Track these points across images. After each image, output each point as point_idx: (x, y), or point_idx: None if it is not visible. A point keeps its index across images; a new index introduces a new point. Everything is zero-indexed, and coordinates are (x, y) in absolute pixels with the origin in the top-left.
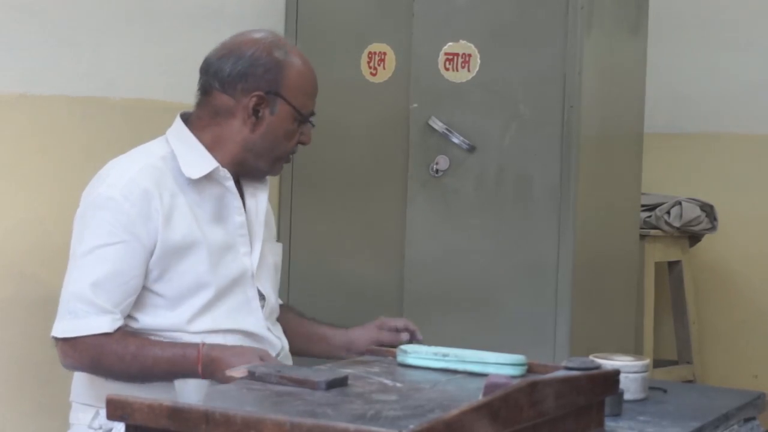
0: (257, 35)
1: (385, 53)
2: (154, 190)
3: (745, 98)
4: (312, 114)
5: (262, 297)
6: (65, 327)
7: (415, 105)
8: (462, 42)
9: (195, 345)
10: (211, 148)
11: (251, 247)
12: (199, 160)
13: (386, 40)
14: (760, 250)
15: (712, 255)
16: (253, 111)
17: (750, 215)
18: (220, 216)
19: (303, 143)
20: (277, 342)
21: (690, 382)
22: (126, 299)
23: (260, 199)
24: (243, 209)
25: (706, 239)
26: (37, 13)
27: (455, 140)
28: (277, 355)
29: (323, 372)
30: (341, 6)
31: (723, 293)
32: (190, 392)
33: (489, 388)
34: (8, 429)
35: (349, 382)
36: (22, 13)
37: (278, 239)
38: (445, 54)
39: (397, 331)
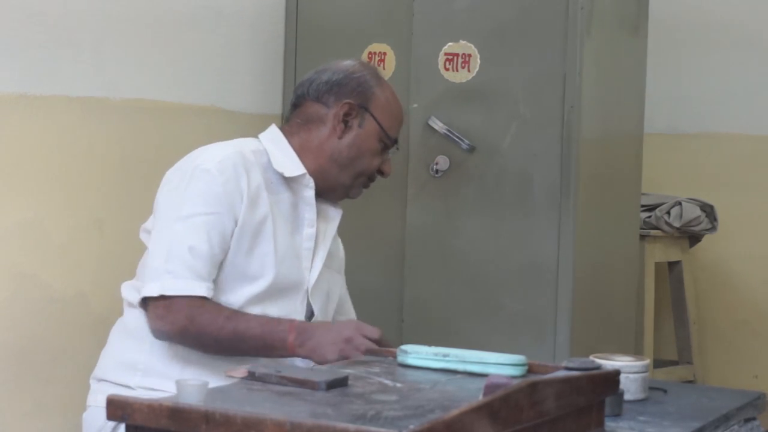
0: (354, 60)
1: (385, 53)
2: (243, 172)
3: (745, 98)
4: (396, 141)
5: (311, 315)
6: (165, 285)
7: (415, 105)
8: (462, 42)
9: (288, 319)
10: (299, 153)
11: (312, 264)
12: (289, 162)
13: (386, 40)
14: (760, 250)
15: (713, 255)
16: (343, 118)
17: (750, 215)
18: (292, 223)
19: (383, 173)
20: None
21: (690, 382)
22: (215, 271)
23: (331, 225)
24: (315, 222)
25: (707, 239)
26: (37, 13)
27: (455, 140)
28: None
29: (323, 372)
30: (341, 6)
31: (723, 293)
32: (191, 392)
33: (489, 389)
34: (8, 429)
35: (350, 382)
36: (22, 13)
37: None
38: (445, 54)
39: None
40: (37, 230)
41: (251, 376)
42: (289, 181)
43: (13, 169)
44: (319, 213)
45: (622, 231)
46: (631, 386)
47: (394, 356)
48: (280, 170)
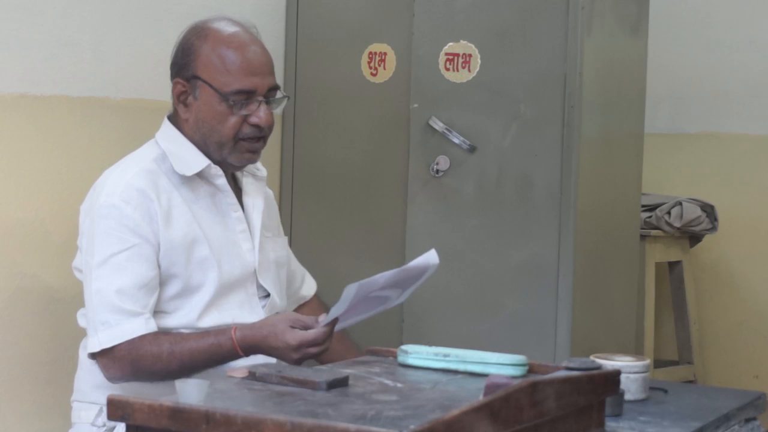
0: (199, 21)
1: (385, 53)
2: (150, 192)
3: (745, 98)
4: (247, 93)
5: (266, 295)
6: (101, 339)
7: (416, 105)
8: (462, 42)
9: (227, 331)
10: (193, 141)
11: (253, 245)
12: (189, 158)
13: (386, 40)
14: (760, 250)
15: (713, 255)
16: (179, 99)
17: (750, 215)
18: (217, 212)
19: (256, 124)
20: None
21: (691, 382)
22: (151, 298)
23: (256, 197)
24: (239, 206)
25: (707, 239)
26: (37, 13)
27: (455, 140)
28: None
29: (324, 372)
30: (341, 6)
31: (723, 293)
32: (191, 392)
33: (490, 389)
34: (8, 429)
35: (350, 382)
36: (22, 13)
37: None
38: (446, 54)
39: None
40: (37, 230)
41: (251, 376)
42: (199, 175)
43: (13, 169)
44: (243, 191)
45: (623, 231)
46: (631, 386)
47: (395, 356)
48: (181, 172)
